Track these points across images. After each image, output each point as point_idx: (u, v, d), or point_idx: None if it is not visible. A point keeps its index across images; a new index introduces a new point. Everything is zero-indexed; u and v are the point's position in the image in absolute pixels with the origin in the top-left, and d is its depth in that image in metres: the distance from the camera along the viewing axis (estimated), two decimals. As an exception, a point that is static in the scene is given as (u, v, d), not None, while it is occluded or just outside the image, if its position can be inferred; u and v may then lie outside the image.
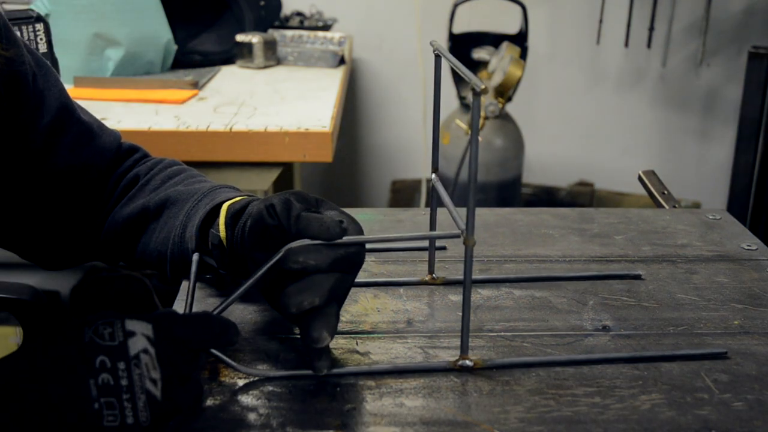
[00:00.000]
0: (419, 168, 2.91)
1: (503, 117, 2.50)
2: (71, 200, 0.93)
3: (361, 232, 0.73)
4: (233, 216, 0.80)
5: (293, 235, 0.71)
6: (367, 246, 0.76)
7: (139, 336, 0.61)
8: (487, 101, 2.25)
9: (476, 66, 2.50)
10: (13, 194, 0.90)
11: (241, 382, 0.71)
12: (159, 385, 0.61)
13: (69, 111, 0.92)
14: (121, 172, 0.96)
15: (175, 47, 2.08)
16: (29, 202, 0.92)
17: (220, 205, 0.83)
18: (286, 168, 1.95)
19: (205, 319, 0.66)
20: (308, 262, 0.69)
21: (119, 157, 0.97)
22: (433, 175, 0.83)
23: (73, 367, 0.60)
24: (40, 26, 1.38)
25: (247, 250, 0.76)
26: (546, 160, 2.97)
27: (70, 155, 0.92)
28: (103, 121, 0.99)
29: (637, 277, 0.92)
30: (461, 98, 2.58)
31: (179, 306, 0.84)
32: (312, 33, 2.24)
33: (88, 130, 0.94)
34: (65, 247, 0.97)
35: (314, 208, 0.74)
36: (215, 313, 0.74)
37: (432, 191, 0.83)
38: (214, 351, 0.69)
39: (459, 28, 2.60)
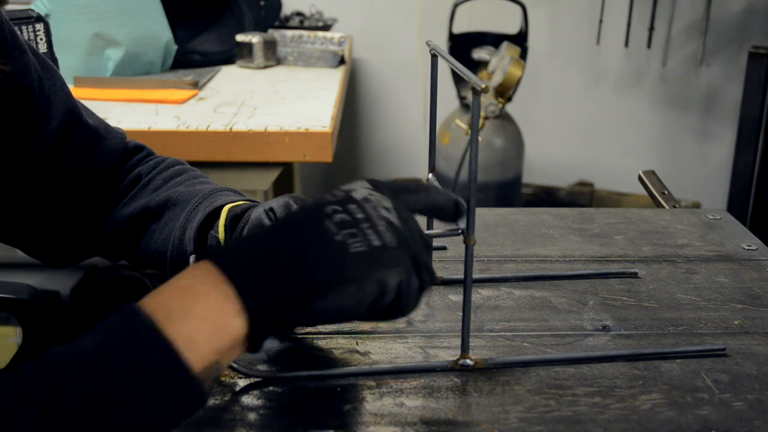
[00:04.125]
0: (419, 168, 2.92)
1: (503, 117, 2.50)
2: (77, 201, 0.93)
3: (361, 232, 0.73)
4: (233, 219, 0.80)
5: None
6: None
7: (360, 189, 0.63)
8: (487, 101, 2.25)
9: (476, 66, 2.50)
10: (20, 195, 0.90)
11: (241, 382, 0.71)
12: (394, 214, 0.62)
13: (75, 116, 0.91)
14: (125, 170, 0.96)
15: (175, 47, 2.08)
16: (36, 202, 0.91)
17: (220, 208, 0.83)
18: (286, 168, 1.95)
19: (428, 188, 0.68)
20: None
21: (125, 157, 0.97)
22: (430, 175, 0.83)
23: (308, 217, 0.60)
24: (40, 26, 1.38)
25: None
26: (546, 160, 2.97)
27: (76, 160, 0.91)
28: (104, 122, 0.99)
29: (634, 275, 0.93)
30: (461, 98, 2.58)
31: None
32: (312, 33, 2.25)
33: (95, 134, 0.93)
34: (70, 245, 0.97)
35: None
36: None
37: (430, 191, 0.83)
38: None
39: (459, 28, 2.60)
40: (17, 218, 0.92)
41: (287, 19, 2.50)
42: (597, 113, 2.96)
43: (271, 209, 0.74)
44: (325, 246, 0.58)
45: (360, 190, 0.63)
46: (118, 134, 0.97)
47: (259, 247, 0.59)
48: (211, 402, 0.68)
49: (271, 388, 0.70)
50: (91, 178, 0.93)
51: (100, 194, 0.94)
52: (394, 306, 0.61)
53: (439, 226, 0.89)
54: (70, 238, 0.96)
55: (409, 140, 2.94)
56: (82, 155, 0.91)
